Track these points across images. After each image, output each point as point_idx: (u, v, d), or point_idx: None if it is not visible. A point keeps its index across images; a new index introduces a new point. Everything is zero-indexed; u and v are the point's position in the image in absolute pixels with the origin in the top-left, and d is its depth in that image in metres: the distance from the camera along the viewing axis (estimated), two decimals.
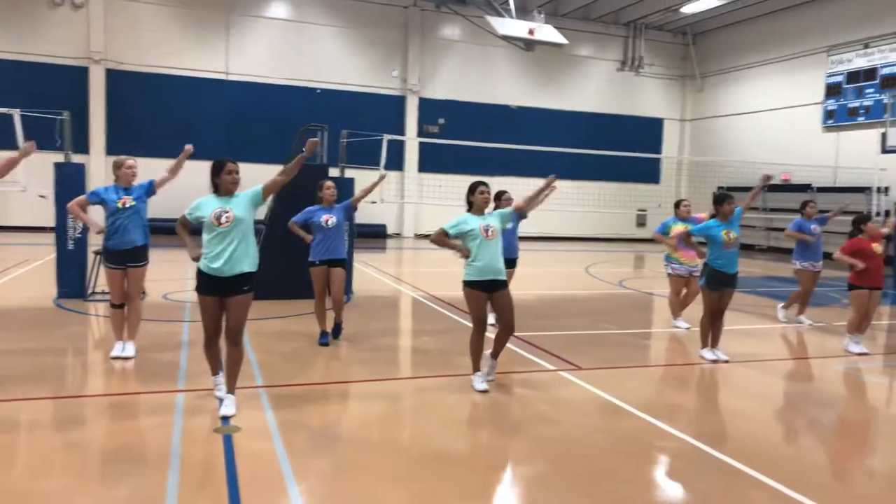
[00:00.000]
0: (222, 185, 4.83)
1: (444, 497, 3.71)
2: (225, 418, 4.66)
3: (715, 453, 4.42)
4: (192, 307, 8.74)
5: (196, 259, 4.86)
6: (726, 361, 6.92)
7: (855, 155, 20.62)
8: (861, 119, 20.97)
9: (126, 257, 6.15)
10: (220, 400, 4.89)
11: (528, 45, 17.13)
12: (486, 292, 5.58)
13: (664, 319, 9.27)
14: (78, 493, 3.58)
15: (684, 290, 8.75)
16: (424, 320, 9.07)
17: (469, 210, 5.76)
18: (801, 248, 9.20)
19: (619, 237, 26.58)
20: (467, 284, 5.63)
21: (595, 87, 27.03)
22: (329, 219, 7.02)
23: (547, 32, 16.75)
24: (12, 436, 4.39)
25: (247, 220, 4.83)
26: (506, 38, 16.74)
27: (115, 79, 21.00)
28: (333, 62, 23.43)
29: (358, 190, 7.91)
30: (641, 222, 27.59)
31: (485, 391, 5.52)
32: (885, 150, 15.29)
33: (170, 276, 11.05)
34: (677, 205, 8.83)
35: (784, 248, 22.40)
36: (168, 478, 3.74)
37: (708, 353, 7.04)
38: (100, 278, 8.63)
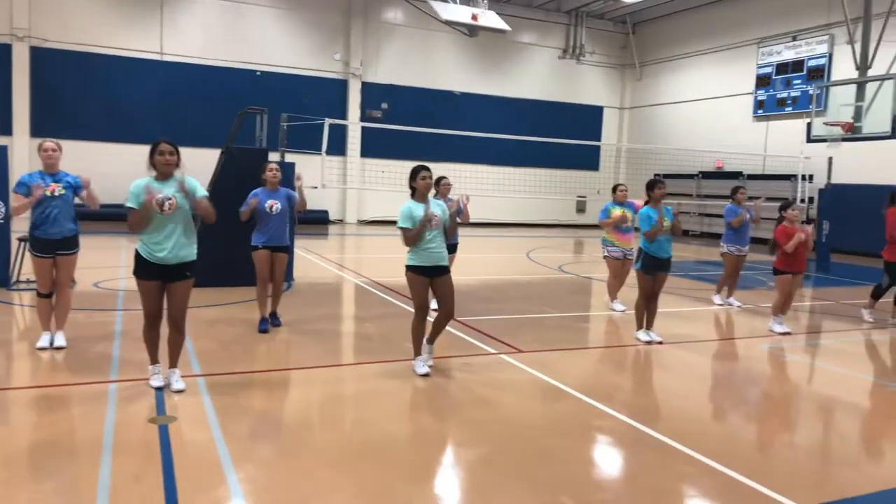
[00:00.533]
0: (157, 167, 4.80)
1: (387, 481, 3.73)
2: (162, 403, 4.55)
3: (649, 431, 4.59)
4: (125, 296, 8.47)
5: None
6: (660, 342, 7.15)
7: (783, 144, 21.50)
8: (789, 109, 21.86)
9: (55, 246, 5.88)
10: (158, 388, 4.91)
11: (472, 30, 17.15)
12: (429, 277, 5.62)
13: (602, 303, 9.51)
14: (4, 488, 3.45)
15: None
16: (367, 306, 9.04)
17: (412, 196, 5.70)
18: (729, 232, 9.55)
19: (559, 223, 27.04)
20: (410, 269, 5.65)
21: (537, 74, 27.29)
22: (274, 205, 6.87)
23: (490, 18, 16.81)
24: None
25: (187, 207, 4.84)
26: (449, 23, 16.71)
27: (41, 57, 19.99)
28: (274, 44, 22.91)
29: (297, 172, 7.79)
30: (581, 208, 28.12)
31: (426, 374, 5.58)
32: (810, 140, 15.99)
33: (101, 264, 10.67)
34: (614, 189, 9.13)
35: (717, 234, 23.23)
36: (100, 470, 3.64)
37: (642, 335, 7.27)
38: (25, 266, 8.26)
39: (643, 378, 6.36)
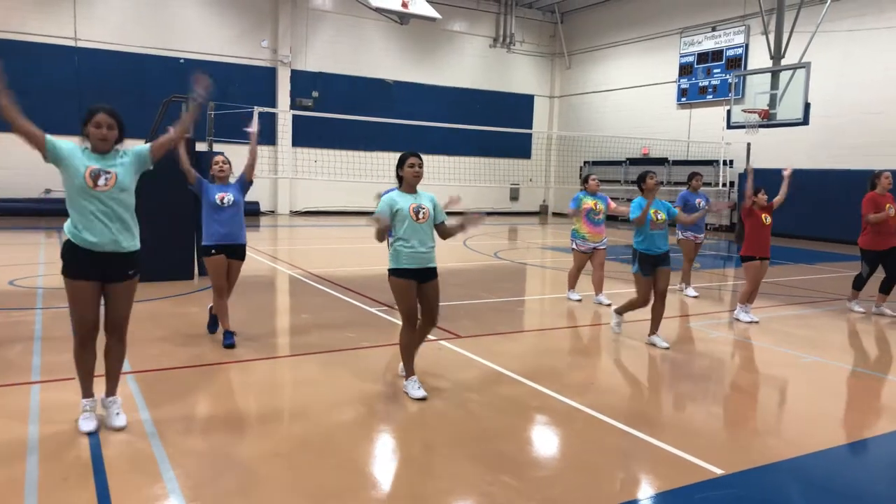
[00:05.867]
0: (91, 140, 3.92)
1: (326, 470, 3.71)
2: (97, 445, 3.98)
3: (583, 408, 4.72)
4: (44, 294, 8.07)
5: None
6: (667, 348, 6.55)
7: (705, 130, 22.38)
8: (710, 97, 22.73)
9: None
10: (91, 433, 3.96)
11: (402, 18, 17.05)
12: (416, 281, 4.91)
13: (537, 287, 9.69)
14: None
15: (588, 265, 8.78)
16: (302, 298, 8.92)
17: (399, 186, 5.01)
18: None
19: (493, 210, 27.32)
20: (394, 273, 4.88)
21: (469, 63, 27.41)
22: (224, 196, 6.00)
23: (420, 6, 16.74)
24: None
25: (130, 186, 3.99)
26: (379, 10, 16.56)
27: None
28: (198, 31, 22.15)
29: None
30: (515, 196, 28.50)
31: (424, 398, 4.83)
32: (729, 126, 16.67)
33: (16, 261, 10.12)
34: (585, 179, 8.83)
35: None
36: (26, 475, 3.47)
37: (659, 341, 6.63)
38: None
39: (579, 358, 6.52)
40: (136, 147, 4.10)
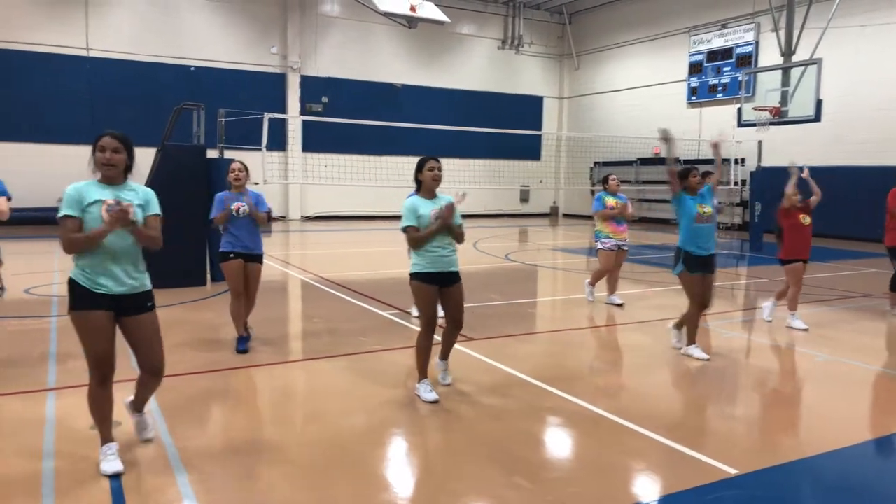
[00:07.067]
0: (98, 167, 3.57)
1: (339, 473, 3.72)
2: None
3: (597, 410, 4.71)
4: (59, 301, 8.15)
5: None
6: (708, 359, 6.14)
7: (716, 129, 22.22)
8: (720, 95, 22.62)
9: None
10: (114, 476, 3.52)
11: (410, 22, 17.07)
12: (438, 286, 4.90)
13: (549, 289, 9.67)
14: None
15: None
16: (315, 302, 8.95)
17: (417, 191, 4.98)
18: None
19: (504, 213, 27.29)
20: (416, 277, 4.88)
21: (477, 65, 27.43)
22: (240, 207, 6.07)
23: (428, 10, 16.76)
24: None
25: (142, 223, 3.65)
26: (387, 14, 16.59)
27: None
28: (208, 38, 22.33)
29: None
30: (525, 198, 28.46)
31: (436, 401, 4.82)
32: (740, 124, 16.59)
33: (32, 270, 10.23)
34: (605, 180, 8.81)
35: (656, 219, 23.90)
36: (42, 479, 3.51)
37: (696, 351, 6.20)
38: None
39: (592, 360, 6.50)
40: (153, 197, 3.78)
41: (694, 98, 23.64)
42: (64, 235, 3.46)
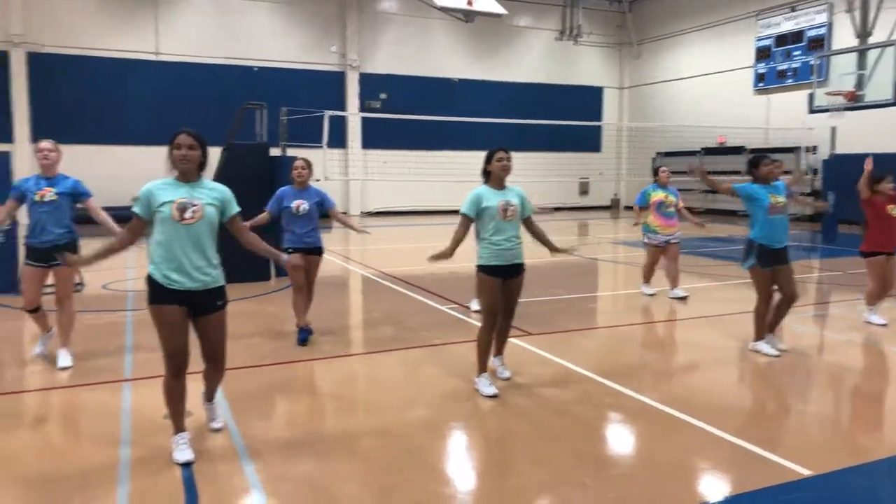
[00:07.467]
0: (175, 164, 3.72)
1: (403, 467, 3.76)
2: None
3: (662, 407, 4.61)
4: (134, 296, 8.51)
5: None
6: (784, 351, 5.95)
7: (785, 116, 21.36)
8: (790, 81, 21.70)
9: (48, 254, 5.35)
10: (186, 464, 3.67)
11: (467, 16, 17.04)
12: (502, 278, 4.90)
13: (610, 283, 9.52)
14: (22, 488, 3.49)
15: (662, 259, 8.55)
16: (376, 297, 9.07)
17: (486, 182, 4.96)
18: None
19: (563, 206, 26.97)
20: (482, 269, 4.88)
21: (535, 57, 27.16)
22: (301, 205, 6.14)
23: (485, 3, 16.70)
24: None
25: (215, 220, 3.80)
26: (444, 9, 16.61)
27: (38, 62, 19.99)
28: (270, 39, 22.87)
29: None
30: (584, 190, 28.06)
31: (495, 395, 4.81)
32: (812, 111, 15.90)
33: (108, 266, 10.69)
34: (655, 172, 8.62)
35: (721, 210, 23.16)
36: (119, 466, 3.68)
37: (764, 346, 5.92)
38: None
39: (654, 355, 6.37)
40: (230, 196, 3.92)
41: (761, 84, 22.77)
42: (126, 229, 3.84)
